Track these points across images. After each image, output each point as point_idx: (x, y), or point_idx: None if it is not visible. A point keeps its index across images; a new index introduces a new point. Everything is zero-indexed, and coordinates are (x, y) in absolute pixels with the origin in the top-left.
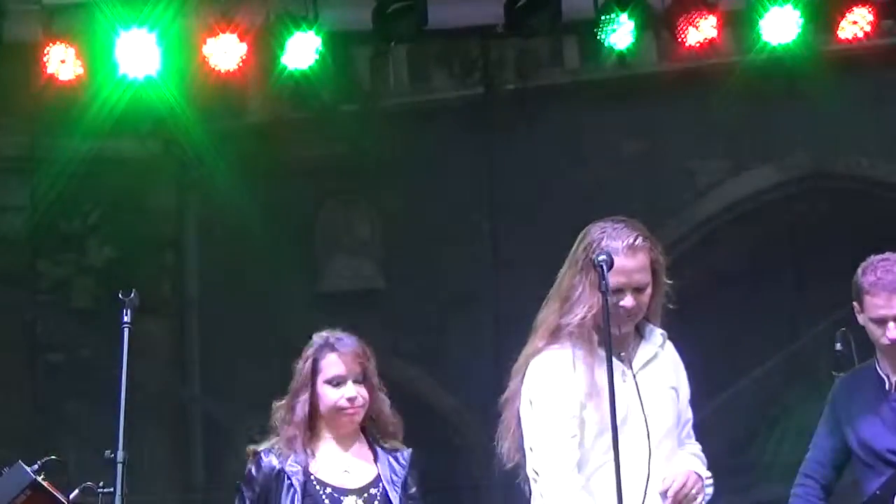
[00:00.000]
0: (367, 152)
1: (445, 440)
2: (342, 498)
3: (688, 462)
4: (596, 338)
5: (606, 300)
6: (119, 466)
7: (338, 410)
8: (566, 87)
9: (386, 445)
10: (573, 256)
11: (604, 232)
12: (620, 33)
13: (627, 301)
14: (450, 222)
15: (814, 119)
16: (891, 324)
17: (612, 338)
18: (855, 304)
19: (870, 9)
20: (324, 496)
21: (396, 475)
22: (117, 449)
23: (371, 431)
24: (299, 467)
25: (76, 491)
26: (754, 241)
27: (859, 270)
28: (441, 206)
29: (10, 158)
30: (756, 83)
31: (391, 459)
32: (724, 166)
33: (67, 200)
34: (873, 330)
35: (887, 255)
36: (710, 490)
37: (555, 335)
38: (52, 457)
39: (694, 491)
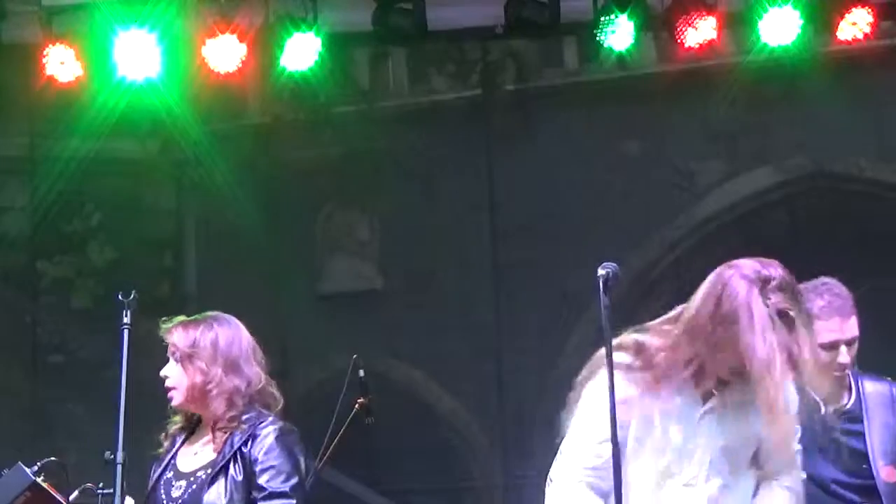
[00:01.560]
0: (366, 153)
1: (444, 441)
2: (175, 482)
3: None
4: None
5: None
6: (118, 468)
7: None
8: (565, 89)
9: (221, 427)
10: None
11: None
12: (619, 34)
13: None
14: (449, 224)
15: (813, 120)
16: (843, 348)
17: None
18: None
19: (869, 10)
20: (163, 482)
21: (223, 455)
22: (117, 450)
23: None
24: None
25: (76, 492)
26: (754, 242)
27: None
28: (440, 207)
29: (10, 159)
30: (755, 84)
31: (227, 442)
32: (724, 167)
33: (67, 201)
34: (821, 356)
35: (824, 279)
36: None
37: None
38: (52, 458)
39: None
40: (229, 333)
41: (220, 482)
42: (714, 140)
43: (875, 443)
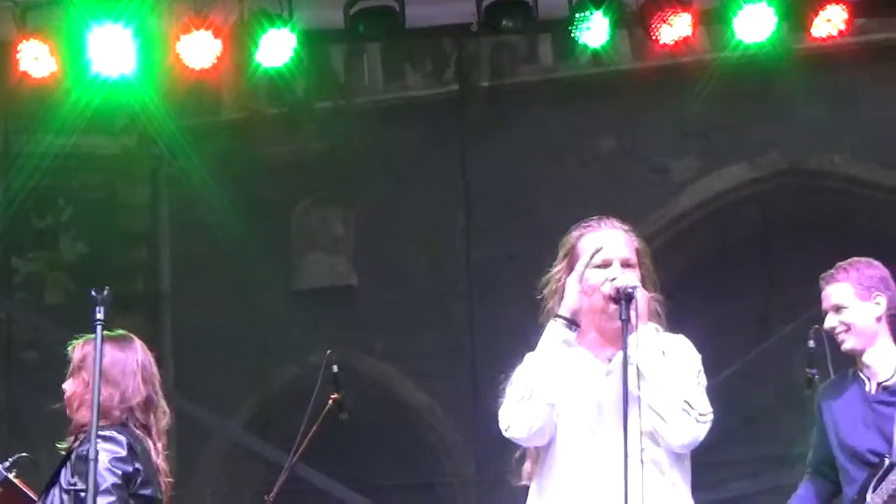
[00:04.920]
0: (341, 149)
1: (418, 437)
2: None
3: None
4: None
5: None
6: (91, 464)
7: None
8: (540, 85)
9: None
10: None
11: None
12: (594, 31)
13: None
14: (424, 219)
15: (787, 117)
16: (830, 315)
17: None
18: None
19: (844, 7)
20: None
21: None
22: (88, 446)
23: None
24: None
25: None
26: (727, 238)
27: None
28: (416, 203)
29: None
30: (730, 81)
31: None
32: (698, 164)
33: (40, 197)
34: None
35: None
36: None
37: None
38: (24, 454)
39: None
40: (119, 350)
41: (55, 489)
42: (688, 136)
43: None
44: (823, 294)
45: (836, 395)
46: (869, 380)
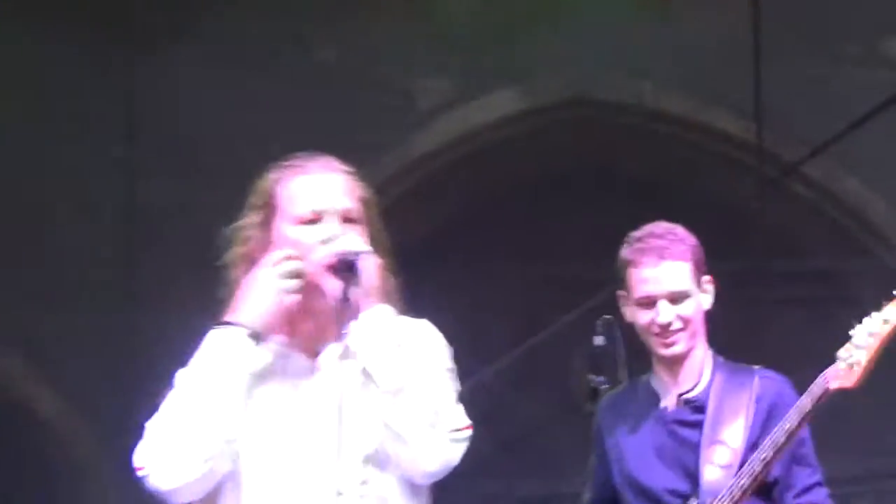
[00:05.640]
0: None
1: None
2: None
3: None
4: None
5: None
6: None
7: None
8: None
9: None
10: None
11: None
12: None
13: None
14: (70, 155)
15: (576, 28)
16: (662, 303)
17: None
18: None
19: None
20: None
21: None
22: None
23: None
24: None
25: None
26: (488, 190)
27: (625, 241)
28: (57, 131)
29: None
30: None
31: None
32: (453, 87)
33: None
34: (640, 318)
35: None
36: None
37: None
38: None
39: None
40: None
41: None
42: (441, 51)
43: (712, 433)
44: (647, 273)
45: (622, 413)
46: (665, 392)
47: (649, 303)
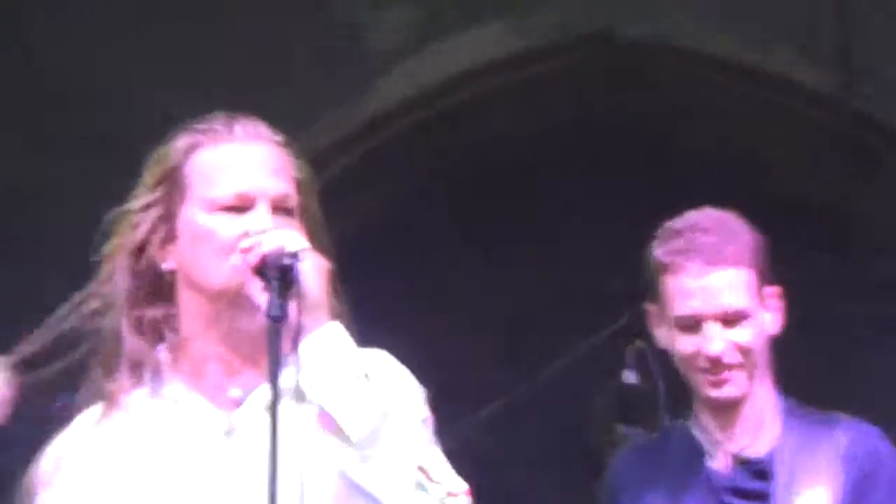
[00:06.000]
0: None
1: None
2: None
3: None
4: None
5: None
6: None
7: None
8: None
9: None
10: None
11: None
12: None
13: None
14: None
15: None
16: (711, 326)
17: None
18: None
19: None
20: None
21: None
22: None
23: None
24: None
25: None
26: (464, 163)
27: (657, 235)
28: None
29: None
30: None
31: None
32: (420, 22)
33: None
34: (679, 345)
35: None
36: None
37: None
38: None
39: None
40: None
41: None
42: None
43: None
44: (689, 284)
45: (649, 477)
46: (714, 448)
47: (693, 325)
